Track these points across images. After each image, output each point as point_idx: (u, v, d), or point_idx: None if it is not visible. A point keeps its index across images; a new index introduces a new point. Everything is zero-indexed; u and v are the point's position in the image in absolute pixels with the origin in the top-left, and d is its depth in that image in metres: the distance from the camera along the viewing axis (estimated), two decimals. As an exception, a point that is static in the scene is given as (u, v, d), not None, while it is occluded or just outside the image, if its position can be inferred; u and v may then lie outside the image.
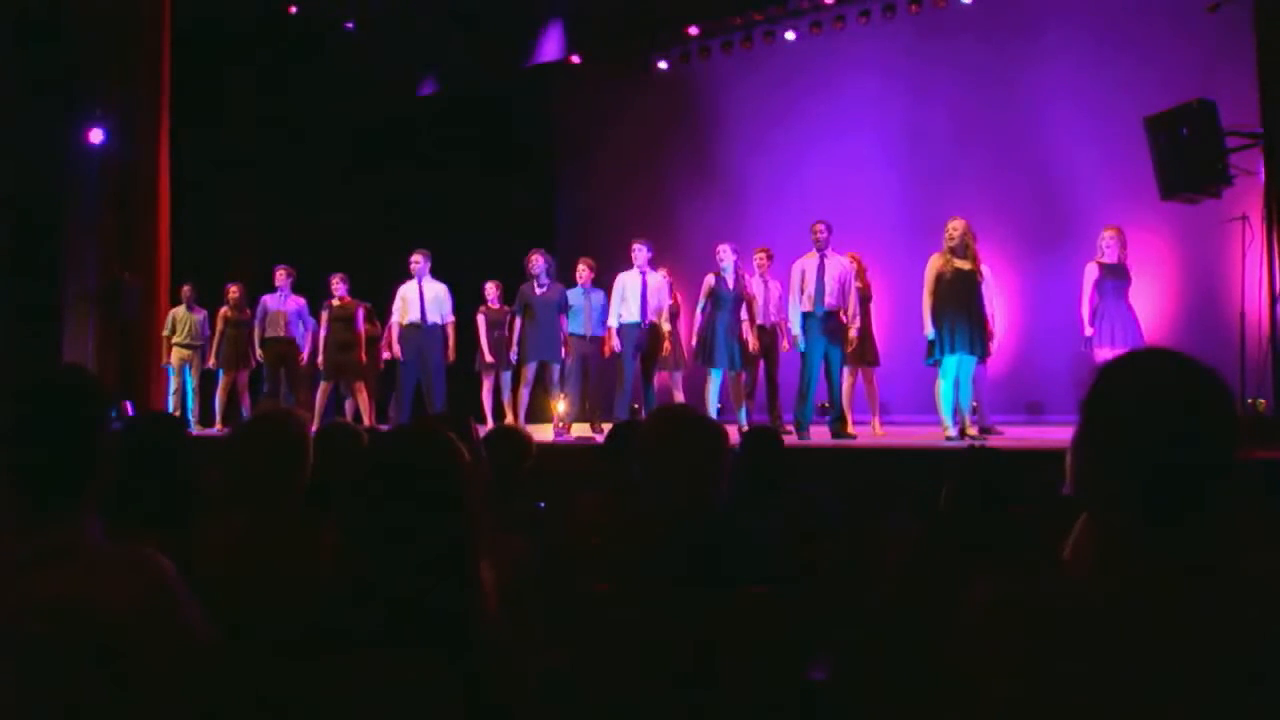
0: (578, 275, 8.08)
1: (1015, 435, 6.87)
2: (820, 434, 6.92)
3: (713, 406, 7.41)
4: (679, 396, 8.08)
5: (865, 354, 7.62)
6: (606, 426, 8.04)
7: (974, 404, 7.14)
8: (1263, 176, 5.92)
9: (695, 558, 2.04)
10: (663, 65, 11.30)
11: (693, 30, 10.88)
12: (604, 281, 8.06)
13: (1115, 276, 6.59)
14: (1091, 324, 6.57)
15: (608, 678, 1.96)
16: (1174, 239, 8.12)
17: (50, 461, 1.57)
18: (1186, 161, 5.92)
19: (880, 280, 9.01)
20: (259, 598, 1.96)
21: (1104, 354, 6.51)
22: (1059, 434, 5.78)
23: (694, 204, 10.69)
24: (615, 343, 7.75)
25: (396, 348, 8.43)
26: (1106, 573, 1.20)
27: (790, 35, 10.52)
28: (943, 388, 6.39)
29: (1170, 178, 6.06)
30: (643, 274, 7.70)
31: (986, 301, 6.58)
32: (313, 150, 10.88)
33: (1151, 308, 7.94)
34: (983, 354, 6.48)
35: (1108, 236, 6.64)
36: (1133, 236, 7.16)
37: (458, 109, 11.27)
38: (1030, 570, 1.83)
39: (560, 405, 8.12)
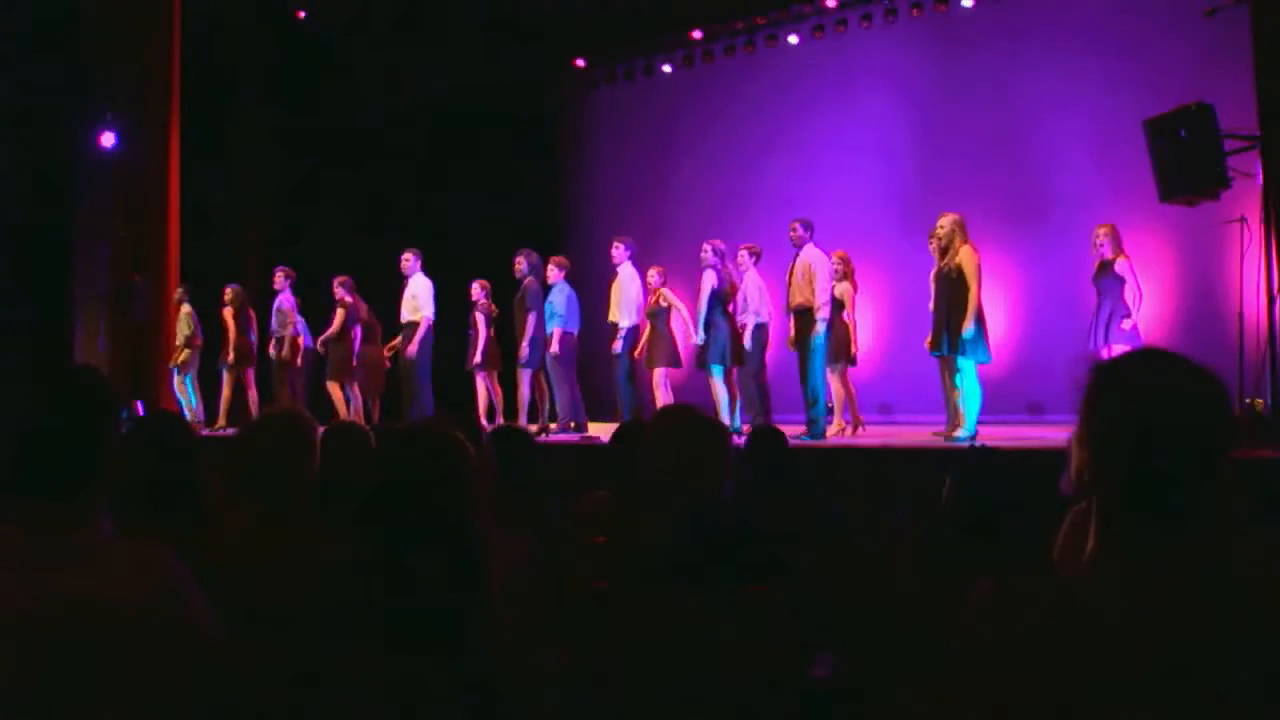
0: (547, 274, 8.12)
1: (1015, 435, 6.88)
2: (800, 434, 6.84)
3: (723, 405, 7.36)
4: (665, 396, 8.05)
5: (842, 352, 7.58)
6: (553, 426, 8.10)
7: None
8: (1260, 179, 5.93)
9: (698, 556, 2.05)
10: (666, 68, 11.32)
11: (696, 34, 10.91)
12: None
13: (1105, 274, 6.55)
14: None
15: (611, 676, 1.98)
16: (1172, 241, 8.13)
17: (62, 460, 1.58)
18: (1185, 164, 5.93)
19: (882, 281, 9.04)
20: (267, 596, 1.97)
21: (1102, 353, 6.50)
22: (1059, 434, 5.78)
23: (697, 206, 10.70)
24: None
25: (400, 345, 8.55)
26: (1105, 572, 1.21)
27: (793, 39, 10.55)
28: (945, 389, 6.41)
29: (1169, 180, 6.07)
30: (616, 272, 7.68)
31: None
32: (318, 152, 10.91)
33: (1150, 309, 7.95)
34: (950, 351, 6.27)
35: (1099, 233, 6.60)
36: (1132, 238, 7.16)
37: (462, 111, 11.29)
38: (1030, 569, 1.84)
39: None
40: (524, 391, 8.34)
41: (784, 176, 10.28)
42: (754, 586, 1.99)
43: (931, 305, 6.50)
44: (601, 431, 7.75)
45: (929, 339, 6.51)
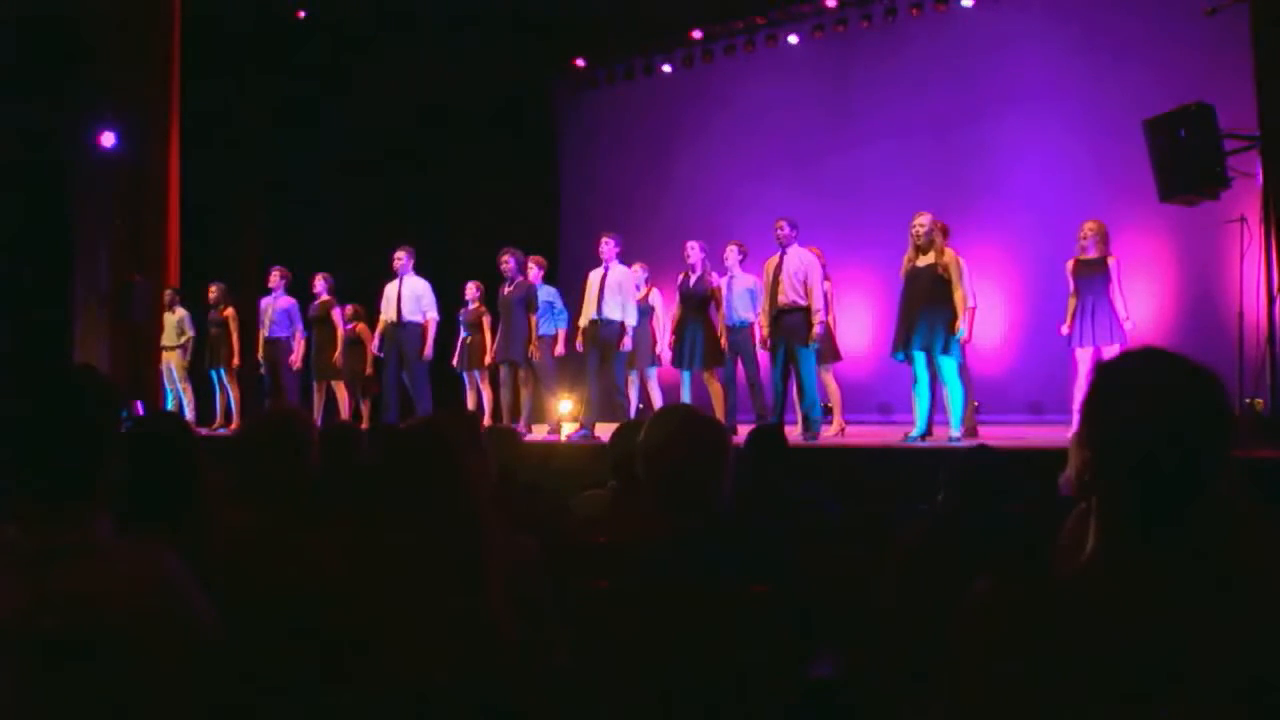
0: (529, 274, 8.09)
1: (1015, 435, 6.88)
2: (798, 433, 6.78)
3: (720, 405, 7.37)
4: (655, 396, 8.05)
5: (830, 351, 7.56)
6: (541, 428, 8.05)
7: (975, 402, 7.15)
8: (1260, 178, 5.93)
9: (697, 556, 2.05)
10: (666, 68, 11.33)
11: (696, 34, 10.93)
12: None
13: (1093, 271, 6.49)
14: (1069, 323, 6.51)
15: (610, 676, 1.98)
16: (1172, 240, 8.15)
17: (62, 460, 1.58)
18: (1185, 164, 5.92)
19: (880, 280, 9.04)
20: (267, 595, 1.97)
21: (1081, 354, 6.48)
22: (1059, 434, 5.80)
23: (696, 205, 10.71)
24: (576, 342, 7.77)
25: (376, 345, 8.51)
26: (1104, 572, 1.21)
27: (793, 39, 10.56)
28: (917, 387, 6.32)
29: (1169, 180, 6.06)
30: (605, 268, 7.57)
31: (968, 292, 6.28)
32: (318, 152, 10.92)
33: (1150, 308, 7.97)
34: (941, 348, 6.10)
35: (1088, 230, 6.56)
36: (1131, 237, 7.15)
37: (462, 111, 11.30)
38: (1029, 569, 1.84)
39: (565, 405, 8.11)
40: (501, 393, 8.35)
41: (783, 176, 10.29)
42: (754, 586, 1.99)
43: (902, 303, 6.31)
44: (603, 432, 7.75)
45: (899, 338, 6.31)
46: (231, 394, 9.33)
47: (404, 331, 8.27)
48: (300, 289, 9.23)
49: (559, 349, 8.10)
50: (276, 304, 9.11)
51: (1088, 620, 1.16)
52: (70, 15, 9.30)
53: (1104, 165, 8.43)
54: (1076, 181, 8.72)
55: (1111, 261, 6.48)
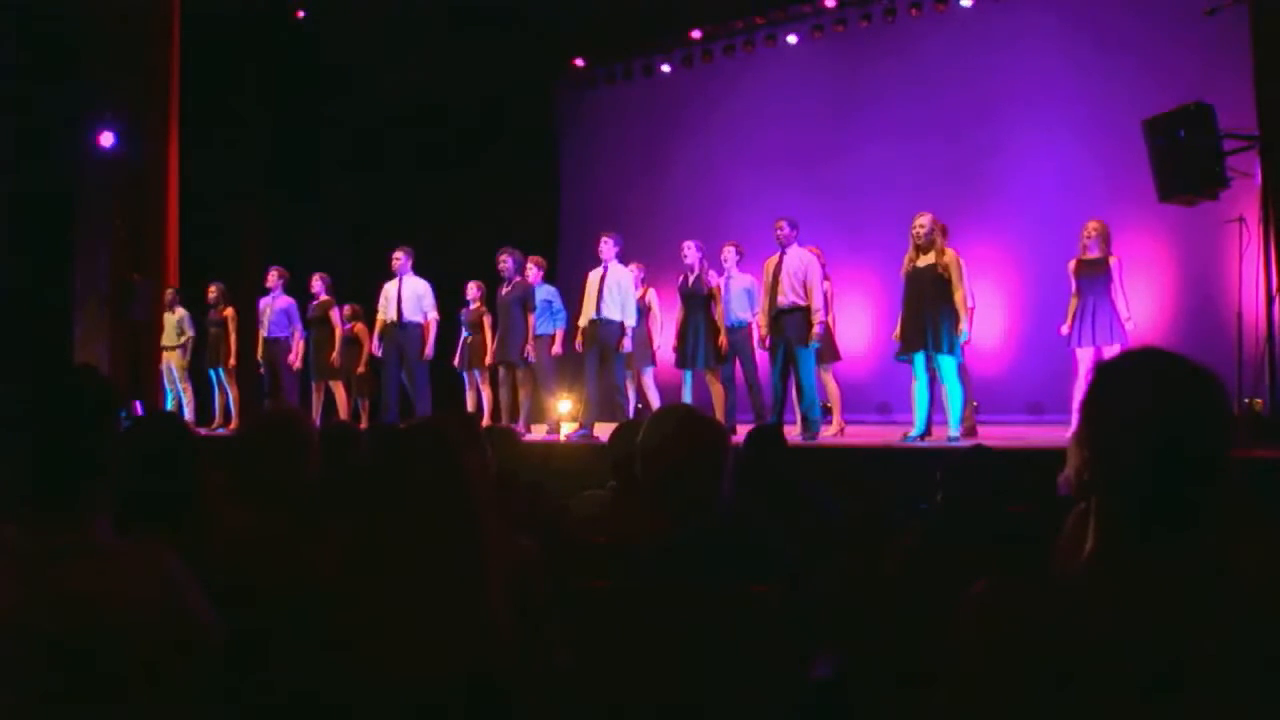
0: (528, 273, 8.10)
1: (1015, 435, 6.88)
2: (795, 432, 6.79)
3: (720, 405, 7.38)
4: (654, 395, 8.06)
5: (830, 351, 7.56)
6: (540, 428, 8.06)
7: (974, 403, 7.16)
8: (1259, 178, 5.95)
9: (697, 556, 2.05)
10: (666, 68, 11.34)
11: (695, 34, 10.93)
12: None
13: (1094, 272, 6.50)
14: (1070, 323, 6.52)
15: (610, 676, 1.98)
16: (1171, 240, 8.15)
17: (62, 460, 1.58)
18: (1184, 164, 5.93)
19: (880, 280, 9.04)
20: (265, 595, 1.97)
21: (1081, 354, 6.48)
22: (1059, 434, 5.80)
23: (696, 206, 10.71)
24: (570, 342, 7.79)
25: (375, 345, 8.52)
26: (1103, 572, 1.21)
27: (792, 39, 10.56)
28: (917, 387, 6.32)
29: (1168, 180, 6.07)
30: (604, 268, 7.56)
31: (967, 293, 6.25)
32: (317, 151, 10.92)
33: (1149, 308, 7.97)
34: (945, 349, 6.10)
35: (1091, 230, 6.55)
36: (1131, 238, 7.13)
37: (462, 111, 11.30)
38: (1028, 569, 1.84)
39: (564, 405, 8.12)
40: (501, 393, 8.35)
41: (783, 176, 10.28)
42: (754, 586, 1.99)
43: (904, 305, 6.31)
44: (601, 431, 7.74)
45: (903, 340, 6.31)
46: (231, 394, 9.33)
47: (404, 332, 8.27)
48: (299, 289, 9.23)
49: (557, 349, 8.10)
50: (275, 304, 9.11)
51: (1087, 620, 1.16)
52: (70, 15, 9.29)
53: (1103, 165, 8.43)
54: (1076, 181, 8.73)
55: (1113, 261, 6.49)
